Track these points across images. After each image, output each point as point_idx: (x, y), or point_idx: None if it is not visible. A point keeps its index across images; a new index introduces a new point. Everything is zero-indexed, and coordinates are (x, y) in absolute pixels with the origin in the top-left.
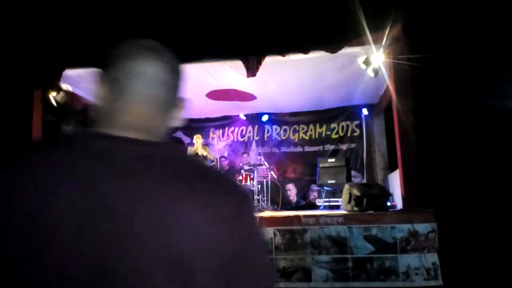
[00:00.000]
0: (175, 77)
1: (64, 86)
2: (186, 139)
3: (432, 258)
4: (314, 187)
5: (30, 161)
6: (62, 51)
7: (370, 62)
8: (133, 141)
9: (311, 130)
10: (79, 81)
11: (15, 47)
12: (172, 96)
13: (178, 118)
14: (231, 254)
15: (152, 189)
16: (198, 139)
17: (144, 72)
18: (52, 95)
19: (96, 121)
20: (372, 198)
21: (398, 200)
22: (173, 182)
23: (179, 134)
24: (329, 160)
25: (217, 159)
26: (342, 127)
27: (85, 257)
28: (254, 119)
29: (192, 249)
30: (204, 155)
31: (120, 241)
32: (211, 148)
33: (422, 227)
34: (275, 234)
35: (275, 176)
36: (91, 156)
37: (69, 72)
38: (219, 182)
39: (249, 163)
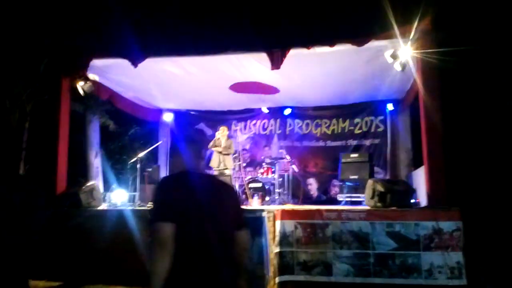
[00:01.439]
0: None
1: (91, 76)
2: (208, 131)
3: (456, 257)
4: (335, 182)
5: (182, 179)
6: (89, 42)
7: (397, 56)
8: (203, 175)
9: (334, 125)
10: (106, 71)
11: (45, 36)
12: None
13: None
14: (237, 208)
15: (215, 191)
16: (222, 131)
17: None
18: (80, 84)
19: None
20: (396, 194)
21: (421, 197)
22: (220, 188)
23: (202, 125)
24: (352, 155)
25: (239, 152)
26: (366, 122)
27: (206, 212)
28: (276, 112)
29: (228, 207)
30: (219, 150)
31: (214, 208)
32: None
33: (447, 225)
34: (296, 227)
35: (296, 170)
36: (195, 180)
37: (96, 62)
38: (230, 186)
39: (271, 156)
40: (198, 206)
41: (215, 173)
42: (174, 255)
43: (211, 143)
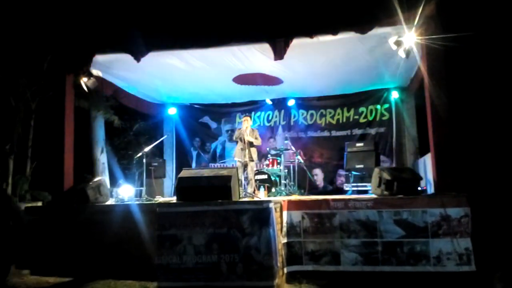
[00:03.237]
0: None
1: (95, 71)
2: (212, 124)
3: (465, 243)
4: (341, 172)
5: None
6: (92, 37)
7: (402, 43)
8: None
9: (339, 114)
10: (109, 66)
11: (48, 33)
12: None
13: None
14: None
15: None
16: (246, 122)
17: None
18: (83, 80)
19: None
20: (403, 182)
21: (428, 185)
22: None
23: (206, 119)
24: (357, 144)
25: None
26: (371, 111)
27: None
28: (280, 103)
29: None
30: (250, 141)
31: None
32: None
33: (455, 212)
34: (303, 218)
35: (302, 161)
36: None
37: (99, 58)
38: None
39: (276, 147)
40: None
41: (239, 164)
42: None
43: (236, 135)
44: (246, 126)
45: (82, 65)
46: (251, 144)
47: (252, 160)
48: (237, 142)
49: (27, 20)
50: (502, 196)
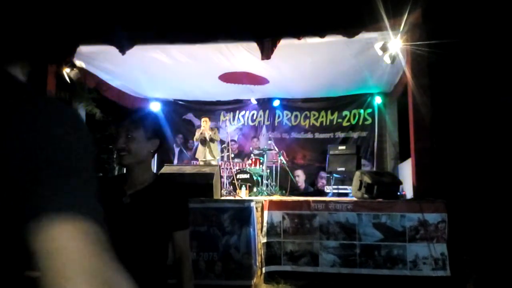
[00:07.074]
0: None
1: (78, 62)
2: (196, 121)
3: (441, 248)
4: (323, 174)
5: None
6: (76, 27)
7: (387, 48)
8: None
9: (323, 117)
10: (93, 58)
11: (29, 21)
12: None
13: None
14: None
15: None
16: (205, 122)
17: None
18: (66, 71)
19: None
20: (383, 186)
21: (407, 190)
22: None
23: (190, 116)
24: (340, 147)
25: (228, 142)
26: (354, 115)
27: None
28: (265, 103)
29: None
30: (211, 137)
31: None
32: (220, 131)
33: (433, 217)
34: (284, 218)
35: (285, 162)
36: None
37: (83, 49)
38: None
39: (259, 147)
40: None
41: (201, 163)
42: None
43: (196, 136)
44: (205, 126)
45: (66, 55)
46: (211, 140)
47: (214, 159)
48: (199, 143)
49: (7, 6)
50: (478, 203)
